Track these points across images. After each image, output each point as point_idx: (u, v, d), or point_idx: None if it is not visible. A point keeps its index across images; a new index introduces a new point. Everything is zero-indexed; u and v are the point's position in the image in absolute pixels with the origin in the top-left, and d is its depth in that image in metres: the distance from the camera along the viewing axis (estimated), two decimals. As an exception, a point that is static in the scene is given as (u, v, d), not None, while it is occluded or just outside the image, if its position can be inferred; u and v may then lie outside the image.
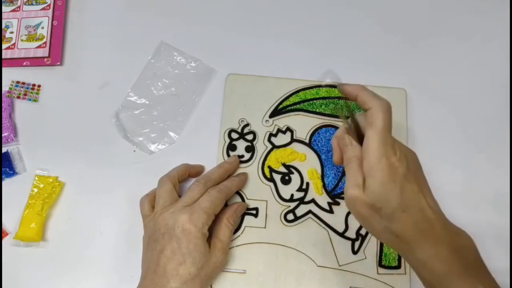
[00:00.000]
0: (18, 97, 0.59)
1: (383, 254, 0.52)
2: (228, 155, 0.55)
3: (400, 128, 0.56)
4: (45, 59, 0.60)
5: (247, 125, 0.57)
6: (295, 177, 0.55)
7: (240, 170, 0.55)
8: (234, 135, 0.56)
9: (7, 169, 0.55)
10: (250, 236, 0.53)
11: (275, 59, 0.61)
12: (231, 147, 0.56)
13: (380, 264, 0.52)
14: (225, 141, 0.56)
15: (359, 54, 0.61)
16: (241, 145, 0.56)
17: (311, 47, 0.62)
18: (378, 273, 0.51)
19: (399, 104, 0.57)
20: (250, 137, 0.56)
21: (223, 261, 0.48)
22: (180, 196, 0.50)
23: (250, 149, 0.56)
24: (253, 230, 0.53)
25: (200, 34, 0.63)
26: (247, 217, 0.53)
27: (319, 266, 0.51)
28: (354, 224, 0.53)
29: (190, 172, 0.54)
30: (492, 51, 0.62)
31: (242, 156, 0.56)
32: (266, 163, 0.55)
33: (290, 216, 0.53)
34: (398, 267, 0.51)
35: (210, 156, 0.56)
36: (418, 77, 0.60)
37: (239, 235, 0.52)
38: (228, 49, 0.62)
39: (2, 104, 0.58)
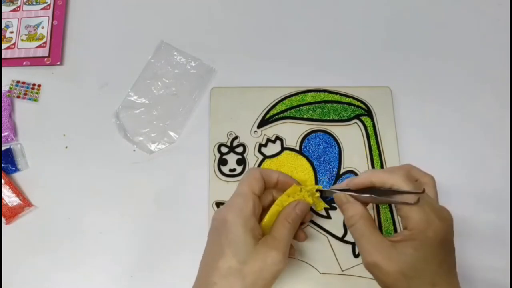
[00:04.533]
0: (18, 97, 0.59)
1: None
2: (220, 170, 0.55)
3: (388, 126, 0.57)
4: (45, 59, 0.60)
5: (236, 137, 0.56)
6: None
7: (233, 184, 0.53)
8: (224, 149, 0.56)
9: (9, 166, 0.55)
10: None
11: (260, 66, 0.61)
12: (222, 161, 0.55)
13: (381, 264, 0.51)
14: (215, 156, 0.55)
15: (343, 55, 0.62)
16: (231, 158, 0.55)
17: (294, 51, 0.62)
18: None
19: (385, 102, 0.58)
20: (240, 149, 0.56)
21: (277, 262, 0.40)
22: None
23: (242, 162, 0.55)
24: None
25: (200, 34, 0.63)
26: None
27: (322, 273, 0.51)
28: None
29: (278, 180, 0.46)
30: (485, 48, 0.62)
31: (234, 169, 0.55)
32: None
33: None
34: (398, 267, 0.51)
35: (210, 155, 0.56)
36: (403, 75, 0.60)
37: None
38: (227, 50, 0.62)
39: (2, 104, 0.58)
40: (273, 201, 0.45)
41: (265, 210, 0.45)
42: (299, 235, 0.48)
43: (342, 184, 0.45)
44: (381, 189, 0.41)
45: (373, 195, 0.41)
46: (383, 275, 0.38)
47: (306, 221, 0.50)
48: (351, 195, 0.42)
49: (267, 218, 0.44)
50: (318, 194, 0.47)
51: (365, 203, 0.43)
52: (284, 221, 0.43)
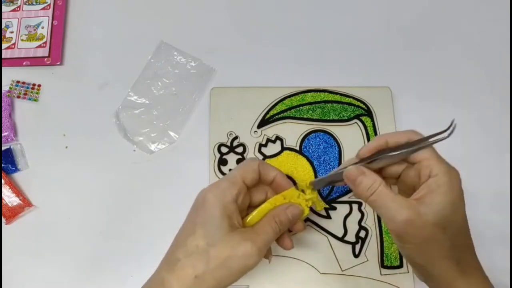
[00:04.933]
0: (18, 97, 0.59)
1: (384, 254, 0.52)
2: (220, 170, 0.55)
3: (388, 126, 0.57)
4: (45, 59, 0.60)
5: (236, 138, 0.56)
6: None
7: None
8: (224, 149, 0.56)
9: (9, 166, 0.55)
10: None
11: (260, 66, 0.61)
12: (222, 161, 0.55)
13: (382, 265, 0.51)
14: (215, 156, 0.55)
15: (343, 55, 0.62)
16: (231, 158, 0.55)
17: (294, 51, 0.62)
18: (381, 274, 0.51)
19: (385, 102, 0.58)
20: (240, 149, 0.56)
21: (249, 255, 0.38)
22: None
23: (241, 162, 0.55)
24: None
25: (200, 34, 0.63)
26: None
27: (322, 273, 0.51)
28: (353, 227, 0.53)
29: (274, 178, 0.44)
30: (486, 48, 0.62)
31: None
32: None
33: None
34: (400, 266, 0.51)
35: (209, 155, 0.56)
36: (403, 75, 0.60)
37: None
38: (226, 50, 0.62)
39: (2, 104, 0.58)
40: (265, 200, 0.43)
41: (255, 207, 0.43)
42: (285, 242, 0.44)
43: (351, 159, 0.42)
44: (393, 148, 0.40)
45: (391, 153, 0.39)
46: (418, 230, 0.36)
47: (295, 230, 0.45)
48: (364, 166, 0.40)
49: (255, 213, 0.42)
50: (316, 195, 0.45)
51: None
52: (271, 219, 0.41)
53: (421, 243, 0.37)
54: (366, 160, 0.40)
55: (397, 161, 0.40)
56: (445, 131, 0.39)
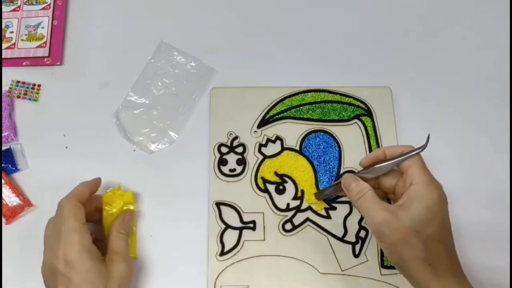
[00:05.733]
0: (18, 97, 0.59)
1: (384, 255, 0.52)
2: (220, 170, 0.55)
3: (388, 126, 0.57)
4: (45, 59, 0.60)
5: (236, 137, 0.56)
6: (289, 186, 0.54)
7: (233, 184, 0.54)
8: (224, 149, 0.56)
9: (9, 166, 0.55)
10: (250, 250, 0.52)
11: (260, 66, 0.61)
12: (222, 161, 0.55)
13: (382, 265, 0.51)
14: (215, 156, 0.55)
15: (343, 55, 0.62)
16: (231, 158, 0.55)
17: (294, 51, 0.62)
18: (381, 274, 0.51)
19: (385, 102, 0.58)
20: (240, 149, 0.56)
21: (128, 270, 0.45)
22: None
23: (242, 161, 0.55)
24: (252, 244, 0.52)
25: (200, 34, 0.63)
26: (245, 231, 0.52)
27: (322, 273, 0.51)
28: (353, 227, 0.53)
29: (90, 190, 0.50)
30: (486, 48, 0.62)
31: (234, 169, 0.55)
32: (259, 174, 0.55)
33: (288, 226, 0.53)
34: (399, 266, 0.51)
35: (210, 155, 0.56)
36: (403, 75, 0.60)
37: (238, 250, 0.51)
38: (226, 50, 0.62)
39: (2, 104, 0.58)
40: (97, 207, 0.50)
41: (94, 212, 0.50)
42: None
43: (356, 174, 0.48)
44: (388, 159, 0.46)
45: (382, 163, 0.46)
46: (392, 231, 0.41)
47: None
48: (359, 176, 0.47)
49: (104, 228, 0.49)
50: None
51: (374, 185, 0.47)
52: (119, 234, 0.47)
53: (396, 244, 0.41)
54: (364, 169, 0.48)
55: (388, 169, 0.46)
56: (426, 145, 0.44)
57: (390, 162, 0.45)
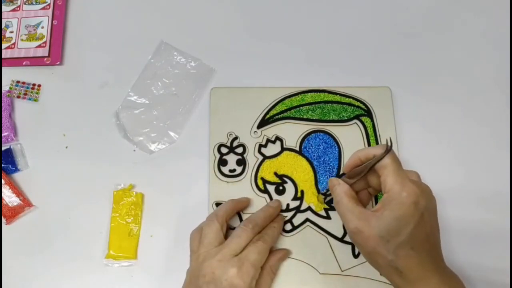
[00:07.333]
0: (18, 97, 0.59)
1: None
2: (220, 170, 0.55)
3: (388, 126, 0.57)
4: (45, 59, 0.60)
5: (236, 138, 0.56)
6: (289, 187, 0.54)
7: (233, 185, 0.54)
8: (224, 150, 0.56)
9: (9, 166, 0.55)
10: None
11: (260, 66, 0.61)
12: (222, 162, 0.55)
13: (381, 265, 0.52)
14: (215, 156, 0.55)
15: (343, 55, 0.62)
16: (231, 159, 0.55)
17: (294, 51, 0.62)
18: (381, 275, 0.51)
19: (385, 103, 0.58)
20: (240, 150, 0.56)
21: None
22: (225, 237, 0.48)
23: (241, 162, 0.55)
24: None
25: (200, 34, 0.63)
26: None
27: (322, 273, 0.51)
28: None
29: (238, 208, 0.52)
30: (486, 48, 0.62)
31: (234, 170, 0.55)
32: (259, 175, 0.55)
33: (288, 226, 0.53)
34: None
35: (209, 156, 0.56)
36: (403, 75, 0.60)
37: None
38: (227, 50, 0.62)
39: (2, 104, 0.58)
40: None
41: None
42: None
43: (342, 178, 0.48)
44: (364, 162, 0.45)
45: (356, 168, 0.45)
46: (364, 240, 0.40)
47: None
48: (342, 179, 0.46)
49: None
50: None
51: (359, 187, 0.47)
52: (270, 272, 0.49)
53: (369, 252, 0.41)
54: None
55: (364, 172, 0.44)
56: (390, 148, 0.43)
57: (362, 167, 0.45)
